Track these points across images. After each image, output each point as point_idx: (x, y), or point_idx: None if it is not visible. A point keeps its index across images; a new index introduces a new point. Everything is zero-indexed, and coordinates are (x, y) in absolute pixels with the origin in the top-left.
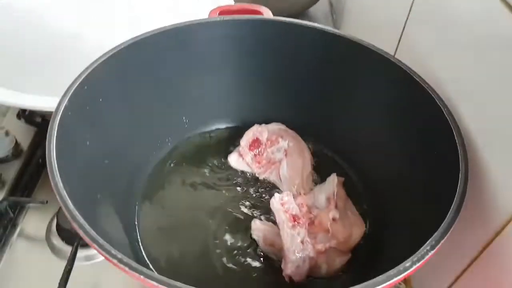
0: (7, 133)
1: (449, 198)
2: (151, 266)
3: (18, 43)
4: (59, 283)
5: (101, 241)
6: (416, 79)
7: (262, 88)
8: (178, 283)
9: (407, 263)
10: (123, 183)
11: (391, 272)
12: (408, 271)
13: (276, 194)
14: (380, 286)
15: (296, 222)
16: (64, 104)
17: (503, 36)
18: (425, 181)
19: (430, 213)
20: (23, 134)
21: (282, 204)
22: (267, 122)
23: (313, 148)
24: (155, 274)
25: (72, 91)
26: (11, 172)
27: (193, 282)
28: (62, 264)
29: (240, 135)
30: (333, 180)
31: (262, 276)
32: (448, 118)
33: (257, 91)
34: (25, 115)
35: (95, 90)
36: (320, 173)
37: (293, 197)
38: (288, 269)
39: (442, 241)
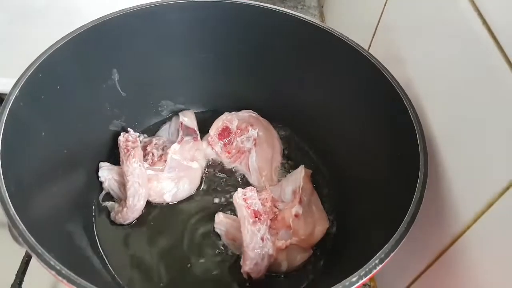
0: None
1: (407, 204)
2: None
3: None
4: (16, 275)
5: (40, 250)
6: (386, 75)
7: (233, 73)
8: None
9: (353, 277)
10: (83, 175)
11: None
12: (355, 285)
13: (239, 189)
14: None
15: (257, 219)
16: (14, 95)
17: (473, 39)
18: (389, 181)
19: (390, 218)
20: None
21: (245, 200)
22: (238, 109)
23: (284, 135)
24: None
25: (24, 80)
26: None
27: (151, 275)
28: (23, 251)
29: (210, 121)
30: (300, 173)
31: (222, 271)
32: (413, 120)
33: (227, 76)
34: None
35: (52, 77)
36: (290, 161)
37: (258, 192)
38: (247, 266)
39: (392, 255)
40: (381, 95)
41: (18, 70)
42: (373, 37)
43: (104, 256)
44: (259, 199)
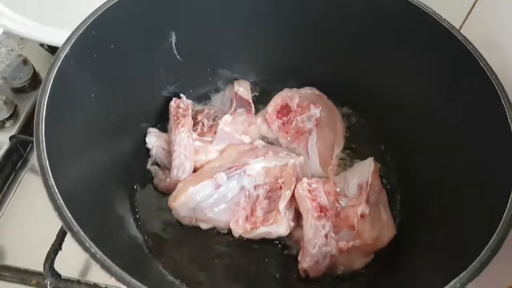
0: (25, 62)
1: (496, 217)
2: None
3: None
4: (57, 235)
5: (75, 228)
6: (479, 61)
7: (299, 45)
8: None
9: None
10: (129, 141)
11: None
12: None
13: (304, 179)
14: None
15: (323, 213)
16: (64, 53)
17: None
18: (476, 183)
19: (472, 230)
20: (44, 63)
21: (310, 191)
22: (300, 85)
23: (348, 119)
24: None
25: (76, 36)
26: (26, 104)
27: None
28: None
29: (267, 94)
30: (368, 166)
31: (274, 265)
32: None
33: (292, 49)
34: None
35: (106, 35)
36: (352, 150)
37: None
38: (306, 263)
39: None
40: (470, 86)
41: (72, 24)
42: (468, 14)
43: (142, 224)
44: None
